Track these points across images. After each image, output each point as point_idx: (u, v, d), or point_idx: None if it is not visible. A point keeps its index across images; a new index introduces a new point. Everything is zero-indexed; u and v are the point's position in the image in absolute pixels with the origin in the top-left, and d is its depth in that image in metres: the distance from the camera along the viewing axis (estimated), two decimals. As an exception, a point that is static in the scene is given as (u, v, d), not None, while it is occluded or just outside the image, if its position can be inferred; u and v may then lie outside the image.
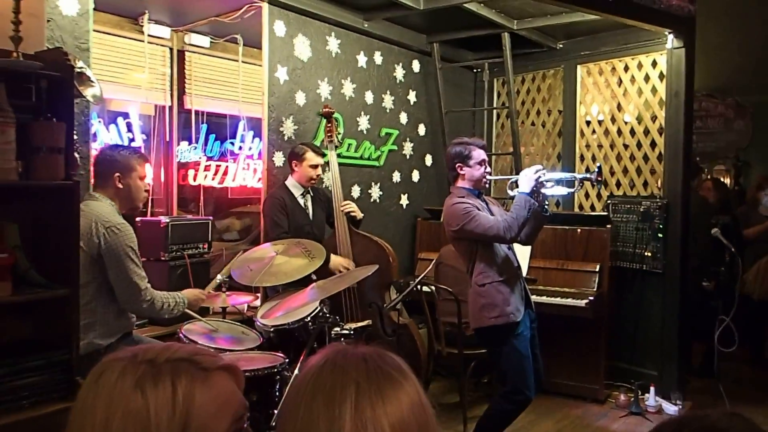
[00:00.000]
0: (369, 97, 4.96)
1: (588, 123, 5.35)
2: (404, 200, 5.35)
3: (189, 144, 4.95)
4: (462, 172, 3.29)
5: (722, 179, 7.11)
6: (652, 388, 4.38)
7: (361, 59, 4.89)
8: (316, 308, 3.11)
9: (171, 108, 4.80)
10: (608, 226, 4.62)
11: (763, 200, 5.62)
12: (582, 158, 5.34)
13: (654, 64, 4.88)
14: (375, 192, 5.06)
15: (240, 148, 5.24)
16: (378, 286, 4.00)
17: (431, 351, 4.18)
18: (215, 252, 4.23)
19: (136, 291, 2.69)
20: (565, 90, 5.41)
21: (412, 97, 5.38)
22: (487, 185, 3.44)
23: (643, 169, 4.99)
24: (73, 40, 3.05)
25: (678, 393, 4.45)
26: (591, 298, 4.33)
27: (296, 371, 2.60)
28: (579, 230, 4.65)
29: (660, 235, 4.55)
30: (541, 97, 5.67)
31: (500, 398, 3.29)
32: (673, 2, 4.16)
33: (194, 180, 4.98)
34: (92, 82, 2.70)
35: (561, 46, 5.40)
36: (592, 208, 5.29)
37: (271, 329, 3.14)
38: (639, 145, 4.99)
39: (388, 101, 5.14)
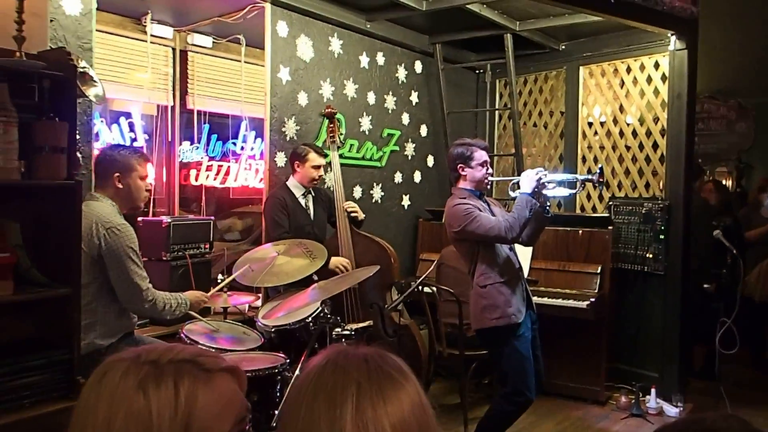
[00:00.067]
0: (371, 97, 4.96)
1: (590, 124, 5.35)
2: (406, 201, 5.35)
3: (191, 144, 4.96)
4: (464, 173, 3.29)
5: (724, 181, 7.10)
6: (653, 390, 4.38)
7: (364, 60, 4.89)
8: (318, 309, 3.11)
9: (173, 108, 4.81)
10: (610, 227, 4.62)
11: (765, 202, 5.62)
12: (584, 160, 5.34)
13: (656, 65, 4.87)
14: (377, 192, 5.06)
15: (242, 148, 5.24)
16: (379, 286, 4.00)
17: (432, 352, 4.18)
18: (217, 252, 4.23)
19: (137, 292, 2.69)
20: (568, 91, 5.41)
21: (414, 97, 5.39)
22: (488, 186, 3.45)
23: (645, 171, 4.98)
24: (76, 40, 3.05)
25: (679, 395, 4.44)
26: (592, 299, 4.33)
27: (297, 372, 2.60)
28: (580, 232, 4.65)
29: (661, 236, 4.54)
30: (543, 99, 5.67)
31: (501, 399, 3.29)
32: (676, 4, 4.16)
33: (196, 180, 4.99)
34: (95, 81, 2.70)
35: (563, 47, 5.40)
36: (594, 209, 5.29)
37: (272, 330, 3.14)
38: (641, 147, 4.99)
39: (390, 102, 5.14)
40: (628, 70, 5.06)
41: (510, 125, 5.66)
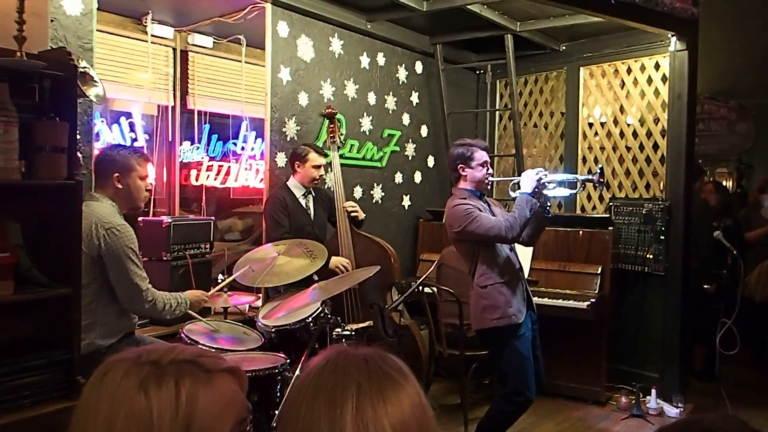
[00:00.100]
0: (372, 98, 4.96)
1: (590, 125, 5.35)
2: (406, 201, 5.35)
3: (191, 144, 4.96)
4: (464, 174, 3.29)
5: (725, 182, 7.11)
6: (653, 391, 4.37)
7: (364, 60, 4.89)
8: (318, 309, 3.11)
9: (174, 108, 4.81)
10: (610, 228, 4.62)
11: (765, 203, 5.62)
12: (584, 160, 5.34)
13: (657, 66, 4.87)
14: (377, 193, 5.06)
15: (242, 148, 5.25)
16: (379, 287, 4.00)
17: (432, 352, 4.18)
18: (217, 252, 4.23)
19: (137, 292, 2.69)
20: (568, 92, 5.41)
21: (414, 98, 5.39)
22: (489, 187, 3.45)
23: (645, 172, 4.98)
24: (77, 40, 3.05)
25: (679, 395, 4.44)
26: (592, 300, 4.33)
27: (297, 372, 2.60)
28: (581, 232, 4.65)
29: (662, 237, 4.55)
30: (543, 99, 5.68)
31: (501, 399, 3.29)
32: (677, 5, 4.16)
33: (196, 180, 4.99)
34: (95, 81, 2.71)
35: (564, 48, 5.40)
36: (594, 210, 5.29)
37: (273, 330, 3.14)
38: (641, 148, 4.99)
39: (390, 102, 5.14)
40: (629, 70, 5.06)
41: (510, 126, 5.66)
